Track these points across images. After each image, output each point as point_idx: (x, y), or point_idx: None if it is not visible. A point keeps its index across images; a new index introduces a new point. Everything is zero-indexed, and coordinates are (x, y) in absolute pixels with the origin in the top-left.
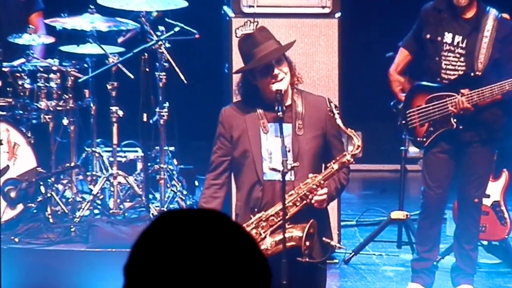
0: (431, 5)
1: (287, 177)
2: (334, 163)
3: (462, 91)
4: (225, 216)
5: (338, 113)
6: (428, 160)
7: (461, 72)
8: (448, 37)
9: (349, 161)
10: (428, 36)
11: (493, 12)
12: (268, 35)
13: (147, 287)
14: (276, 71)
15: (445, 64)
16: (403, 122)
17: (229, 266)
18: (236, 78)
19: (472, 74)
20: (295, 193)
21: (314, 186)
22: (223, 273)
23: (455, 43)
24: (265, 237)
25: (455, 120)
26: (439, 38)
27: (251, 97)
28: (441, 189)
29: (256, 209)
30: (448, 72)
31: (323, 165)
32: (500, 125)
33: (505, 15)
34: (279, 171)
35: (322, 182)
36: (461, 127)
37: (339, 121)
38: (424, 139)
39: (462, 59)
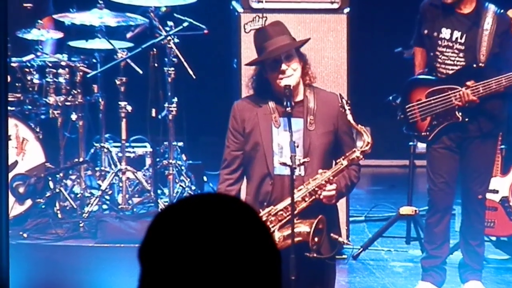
0: (428, 1)
1: (297, 172)
2: (343, 159)
3: (468, 83)
4: (240, 201)
5: (349, 109)
6: (431, 157)
7: (460, 66)
8: (446, 33)
9: (359, 157)
10: (425, 31)
11: (492, 8)
12: (282, 30)
13: (163, 270)
14: (283, 66)
15: (442, 59)
16: (402, 116)
17: (241, 250)
18: (248, 71)
19: (475, 65)
20: (305, 188)
21: (323, 182)
22: (235, 257)
23: (453, 39)
24: (273, 231)
25: (460, 113)
26: (435, 34)
27: (264, 91)
28: (446, 185)
29: (265, 203)
30: (446, 67)
31: (333, 161)
32: (503, 117)
33: None
34: (289, 165)
35: (331, 178)
36: (466, 119)
37: (350, 117)
38: (428, 133)
39: (461, 54)
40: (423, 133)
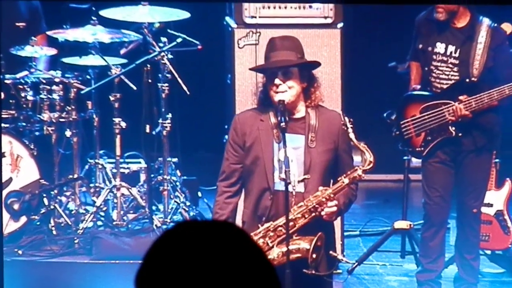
0: (423, 15)
1: (297, 189)
2: (345, 177)
3: (460, 97)
4: (239, 229)
5: (351, 127)
6: (426, 171)
7: (454, 81)
8: (440, 47)
9: (360, 176)
10: (420, 46)
11: (486, 21)
12: (290, 45)
13: None
14: (277, 81)
15: (436, 73)
16: (397, 132)
17: (239, 279)
18: (242, 87)
19: (467, 80)
20: (304, 205)
21: (324, 199)
22: (232, 284)
23: (448, 53)
24: (272, 247)
25: (453, 128)
26: (429, 48)
27: (267, 103)
28: (441, 199)
29: (264, 218)
30: (441, 81)
31: (332, 180)
32: (497, 131)
33: (507, 24)
34: (283, 179)
35: (332, 195)
36: (460, 134)
37: (352, 135)
38: (422, 149)
39: (455, 68)
40: (417, 149)
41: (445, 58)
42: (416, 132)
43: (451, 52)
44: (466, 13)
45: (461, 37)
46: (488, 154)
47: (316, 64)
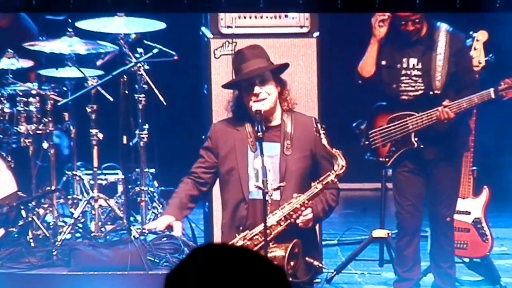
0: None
1: (273, 197)
2: (318, 183)
3: (444, 103)
4: (255, 253)
5: (324, 133)
6: (397, 181)
7: (420, 92)
8: (404, 62)
9: (333, 181)
10: (384, 62)
11: (444, 27)
12: (259, 53)
13: None
14: (257, 89)
15: (403, 87)
16: (366, 142)
17: None
18: (218, 97)
19: (431, 93)
20: (280, 212)
21: (298, 206)
22: None
23: (410, 66)
24: None
25: (415, 139)
26: (398, 66)
27: (241, 114)
28: (413, 208)
29: (241, 228)
30: (408, 93)
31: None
32: (464, 138)
33: (482, 32)
34: (261, 189)
35: (306, 202)
36: (421, 146)
37: (324, 141)
38: (387, 159)
39: (420, 80)
40: (381, 159)
41: (408, 72)
42: (382, 142)
43: (413, 65)
44: (423, 22)
45: (421, 48)
46: (457, 161)
47: (286, 66)
